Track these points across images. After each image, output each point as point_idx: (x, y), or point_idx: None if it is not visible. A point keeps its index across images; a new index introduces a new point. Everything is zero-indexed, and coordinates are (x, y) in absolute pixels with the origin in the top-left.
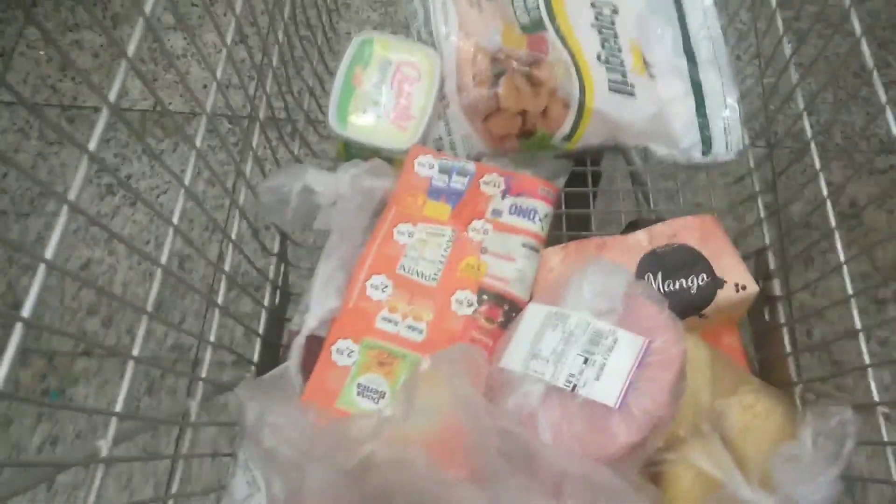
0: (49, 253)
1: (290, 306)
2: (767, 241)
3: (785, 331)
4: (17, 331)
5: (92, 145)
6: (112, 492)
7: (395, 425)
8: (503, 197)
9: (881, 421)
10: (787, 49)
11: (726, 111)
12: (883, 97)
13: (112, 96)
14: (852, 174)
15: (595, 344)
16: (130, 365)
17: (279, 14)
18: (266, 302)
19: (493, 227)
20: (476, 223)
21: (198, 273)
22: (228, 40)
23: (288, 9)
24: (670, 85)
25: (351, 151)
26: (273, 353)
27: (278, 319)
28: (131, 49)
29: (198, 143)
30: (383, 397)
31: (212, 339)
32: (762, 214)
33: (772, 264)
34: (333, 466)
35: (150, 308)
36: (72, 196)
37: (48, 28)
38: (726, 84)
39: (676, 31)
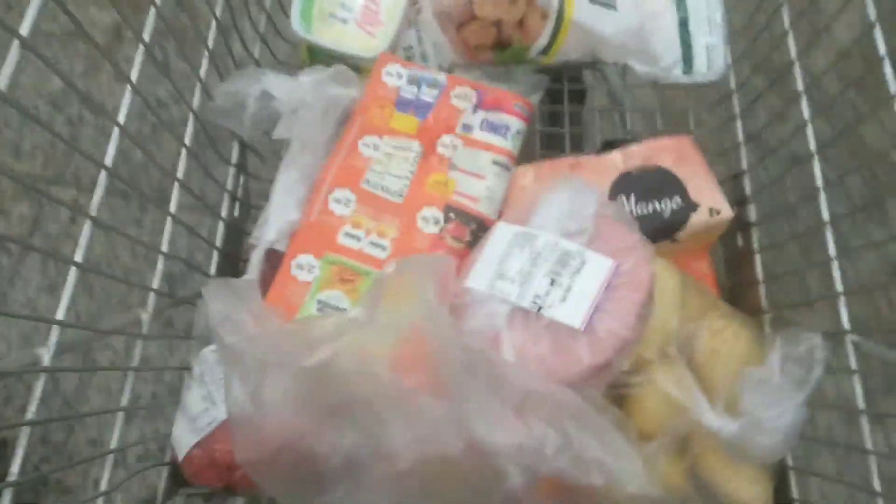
0: None
1: (249, 220)
2: (745, 165)
3: (757, 258)
4: None
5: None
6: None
7: (358, 327)
8: (474, 111)
9: (850, 349)
10: None
11: (710, 29)
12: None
13: None
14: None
15: (562, 265)
16: (73, 271)
17: None
18: (224, 213)
19: (463, 142)
20: (445, 138)
21: (149, 180)
22: None
23: None
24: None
25: (315, 58)
26: (232, 268)
27: (237, 232)
28: None
29: (146, 37)
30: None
31: (164, 249)
32: (740, 138)
33: (748, 189)
34: (294, 367)
35: (94, 213)
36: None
37: None
38: (711, 1)
39: None
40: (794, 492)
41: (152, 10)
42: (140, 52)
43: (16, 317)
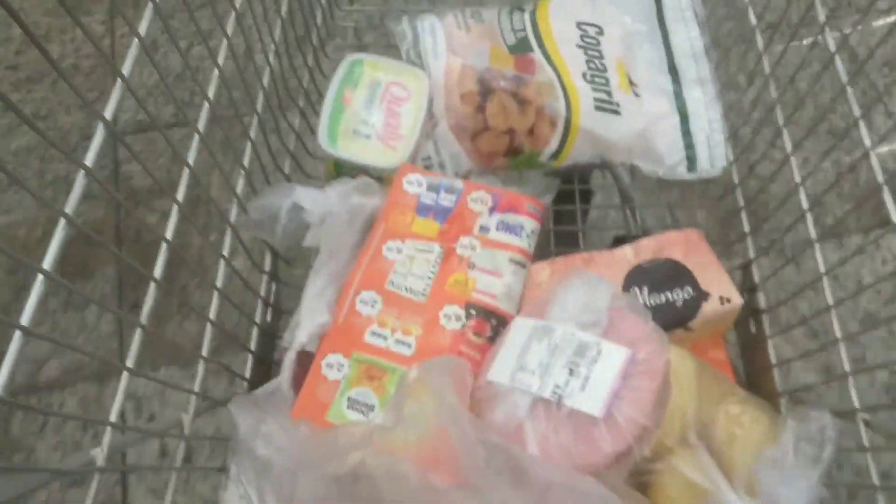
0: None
1: (281, 324)
2: (752, 254)
3: (770, 343)
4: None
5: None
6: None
7: (385, 433)
8: (490, 214)
9: (861, 427)
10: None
11: (710, 128)
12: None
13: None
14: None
15: (580, 356)
16: (125, 376)
17: (270, 35)
18: (258, 319)
19: (481, 243)
20: (464, 239)
21: (190, 288)
22: (220, 59)
23: (279, 30)
24: (655, 103)
25: (341, 171)
26: (265, 370)
27: (270, 336)
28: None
29: (191, 160)
30: (372, 410)
31: (204, 353)
32: (746, 228)
33: (756, 278)
34: (324, 474)
35: (144, 321)
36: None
37: None
38: (710, 101)
39: (661, 50)
40: None
41: (195, 136)
42: (186, 173)
43: (71, 418)
